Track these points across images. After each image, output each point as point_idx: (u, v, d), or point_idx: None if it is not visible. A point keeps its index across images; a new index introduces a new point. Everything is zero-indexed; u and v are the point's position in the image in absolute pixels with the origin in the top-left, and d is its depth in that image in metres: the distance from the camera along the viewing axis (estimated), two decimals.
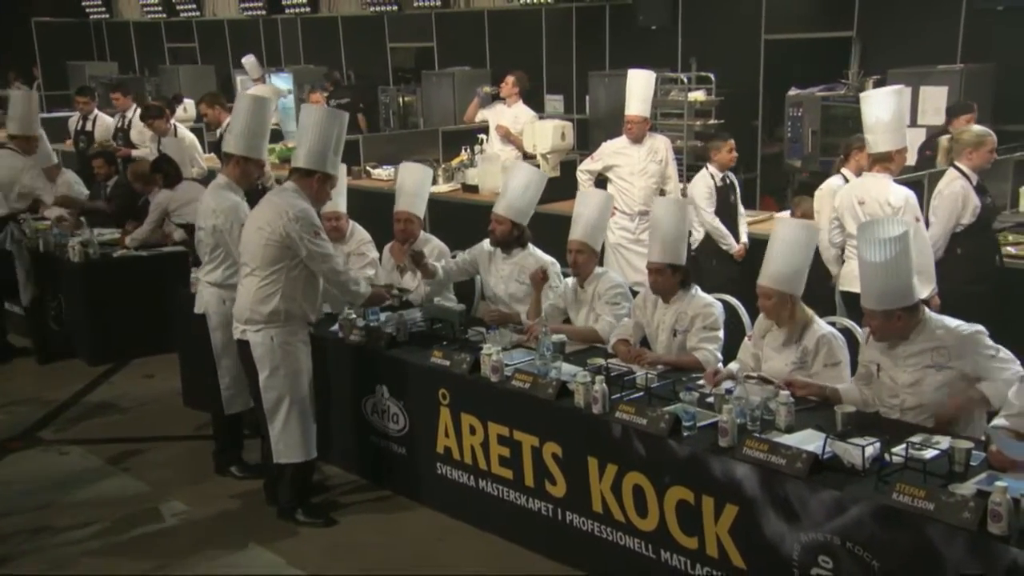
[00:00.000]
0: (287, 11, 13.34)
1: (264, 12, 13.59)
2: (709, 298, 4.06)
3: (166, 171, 6.41)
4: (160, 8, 15.22)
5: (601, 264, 4.69)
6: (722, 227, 5.76)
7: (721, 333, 4.00)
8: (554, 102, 10.75)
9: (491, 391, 3.89)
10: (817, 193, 5.56)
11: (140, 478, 4.69)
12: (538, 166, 7.15)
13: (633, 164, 6.26)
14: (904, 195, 4.85)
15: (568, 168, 7.27)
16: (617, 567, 3.58)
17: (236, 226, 4.22)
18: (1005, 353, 3.29)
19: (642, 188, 6.23)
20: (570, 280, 4.50)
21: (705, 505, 3.24)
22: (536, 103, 10.53)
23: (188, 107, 9.65)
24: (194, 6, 14.78)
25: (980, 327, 3.33)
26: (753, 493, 3.09)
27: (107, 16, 16.42)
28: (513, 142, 7.84)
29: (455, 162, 8.24)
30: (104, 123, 8.69)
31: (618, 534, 3.55)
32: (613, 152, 6.35)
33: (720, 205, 5.81)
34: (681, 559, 3.35)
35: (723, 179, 5.87)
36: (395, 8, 12.09)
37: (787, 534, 3.02)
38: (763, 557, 3.10)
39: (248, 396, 4.34)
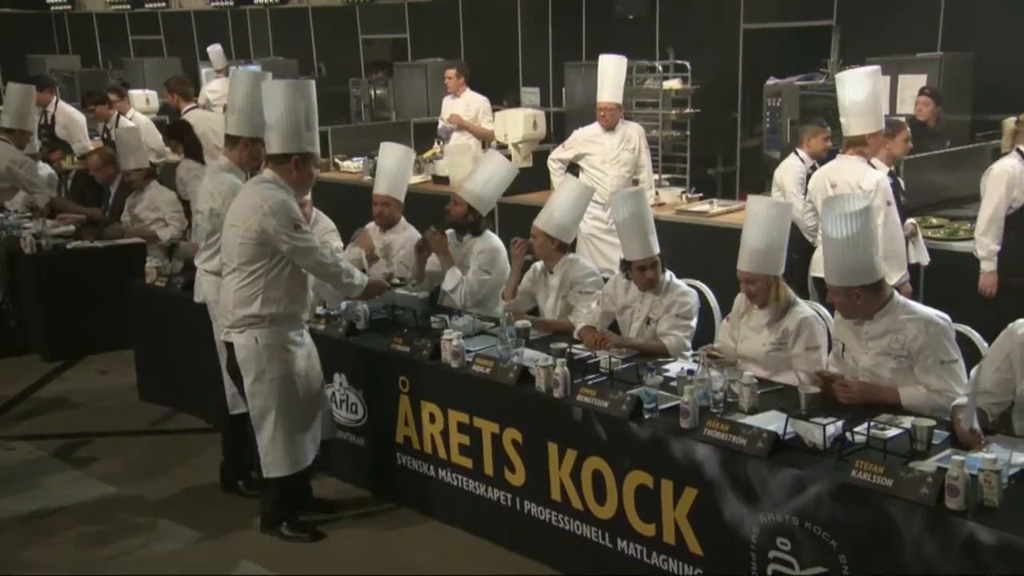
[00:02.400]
0: (256, 2, 13.15)
1: (232, 3, 13.41)
2: (684, 286, 3.97)
3: (185, 140, 6.12)
4: None
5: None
6: (811, 217, 5.23)
7: (694, 322, 3.91)
8: (530, 94, 10.64)
9: (452, 377, 3.78)
10: (777, 171, 5.54)
11: (91, 474, 4.54)
12: (509, 156, 7.08)
13: (606, 152, 6.13)
14: (876, 178, 4.77)
15: (540, 158, 7.17)
16: (574, 558, 3.48)
17: None
18: (959, 369, 3.13)
19: (615, 177, 6.09)
20: (539, 264, 4.39)
21: (664, 489, 3.14)
22: (512, 96, 10.46)
23: (151, 98, 9.47)
24: None
25: (947, 325, 3.20)
26: (713, 475, 3.01)
27: (69, 8, 16.15)
28: (468, 129, 7.75)
29: (428, 154, 8.13)
30: (65, 114, 8.49)
31: (575, 523, 3.45)
32: (585, 140, 6.23)
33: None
34: (638, 547, 3.26)
35: (812, 167, 5.47)
36: None
37: (746, 516, 2.93)
38: (721, 542, 3.02)
39: None
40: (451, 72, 8.04)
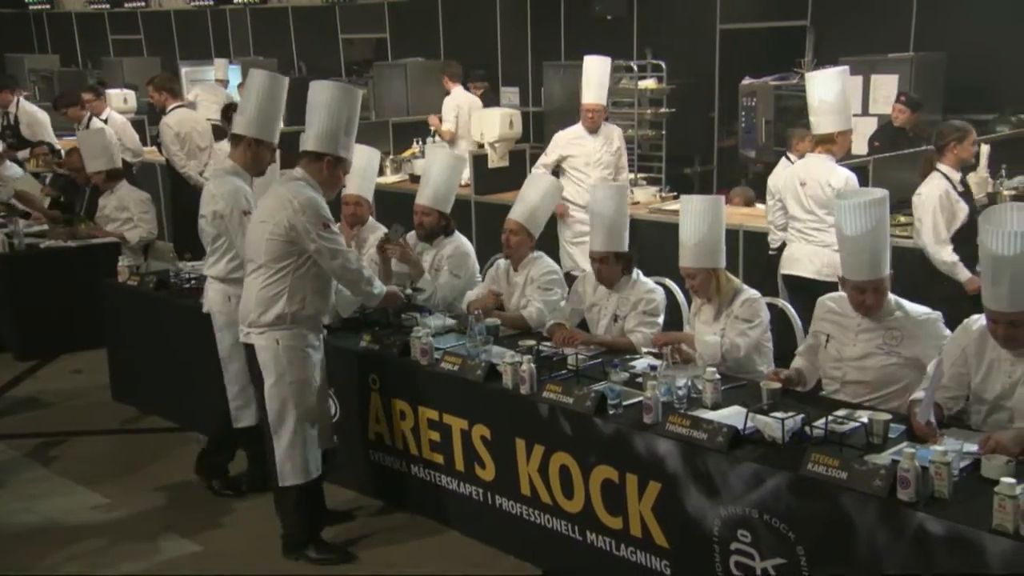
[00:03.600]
0: (235, 1, 13.12)
1: (212, 2, 13.38)
2: (651, 283, 4.01)
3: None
4: None
5: (558, 263, 4.56)
6: (780, 216, 5.19)
7: (660, 319, 3.96)
8: (509, 94, 10.67)
9: (421, 375, 3.81)
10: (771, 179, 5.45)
11: (60, 474, 4.53)
12: (486, 156, 7.12)
13: (589, 154, 6.06)
14: (845, 176, 4.83)
15: (517, 157, 7.22)
16: (545, 551, 3.52)
17: (237, 212, 3.85)
18: None
19: (598, 179, 5.96)
20: (502, 262, 4.42)
21: (629, 483, 3.18)
22: (492, 95, 10.49)
23: (128, 98, 9.43)
24: None
25: (938, 314, 3.28)
26: (675, 469, 3.05)
27: (48, 7, 16.05)
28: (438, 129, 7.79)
29: (407, 154, 8.15)
30: (28, 113, 8.43)
31: (545, 517, 3.48)
32: (567, 142, 6.15)
33: None
34: (606, 540, 3.30)
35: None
36: None
37: (708, 510, 2.98)
38: (685, 534, 3.06)
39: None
40: (445, 77, 8.13)
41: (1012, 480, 2.39)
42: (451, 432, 3.74)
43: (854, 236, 3.20)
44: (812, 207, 4.87)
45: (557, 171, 6.27)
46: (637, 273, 4.01)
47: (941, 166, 4.69)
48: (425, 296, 4.33)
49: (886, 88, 6.89)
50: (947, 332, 3.25)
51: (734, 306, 3.64)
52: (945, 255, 4.59)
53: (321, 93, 3.58)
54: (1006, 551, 2.34)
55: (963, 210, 4.63)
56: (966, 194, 4.77)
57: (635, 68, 7.78)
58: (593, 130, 6.07)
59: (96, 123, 7.77)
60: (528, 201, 4.30)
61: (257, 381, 3.63)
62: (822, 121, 4.89)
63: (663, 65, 7.86)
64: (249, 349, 3.61)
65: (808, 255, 4.94)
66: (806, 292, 4.66)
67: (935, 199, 4.60)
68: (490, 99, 8.97)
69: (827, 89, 4.88)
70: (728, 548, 2.95)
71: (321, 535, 3.73)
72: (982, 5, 7.51)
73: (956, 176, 4.70)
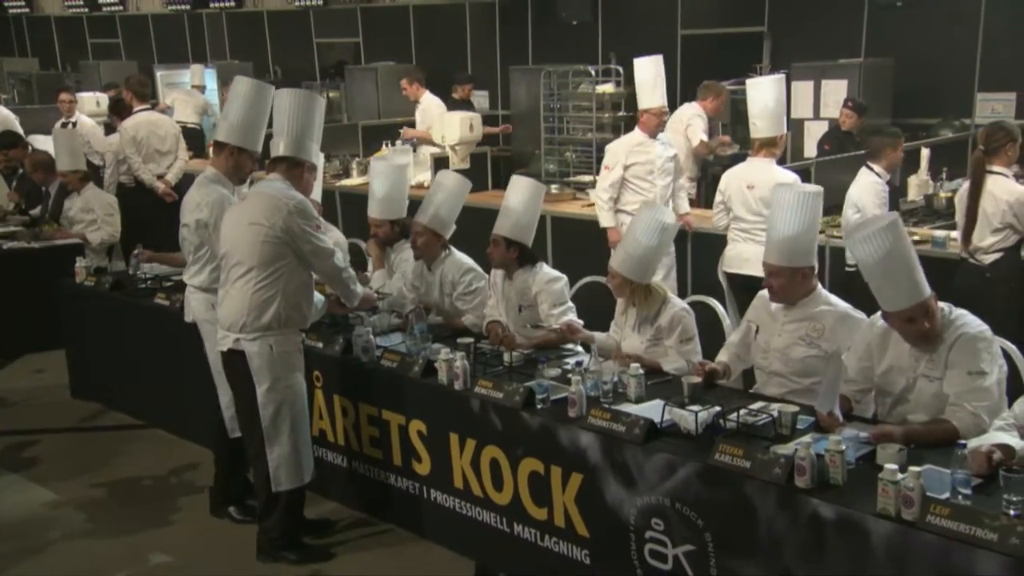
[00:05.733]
0: (212, 6, 13.21)
1: (189, 6, 13.46)
2: (554, 273, 4.11)
3: None
4: (82, 3, 14.96)
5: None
6: (722, 217, 5.21)
7: (570, 303, 4.06)
8: (479, 98, 10.78)
9: (361, 372, 3.92)
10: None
11: (14, 469, 4.60)
12: (447, 158, 7.23)
13: (653, 161, 5.54)
14: (793, 178, 4.98)
15: (477, 160, 7.34)
16: (476, 543, 3.63)
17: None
18: None
19: (663, 188, 5.55)
20: (416, 263, 4.44)
21: (553, 475, 3.30)
22: (455, 102, 10.58)
23: (101, 101, 9.49)
24: (117, 1, 14.55)
25: (861, 314, 3.36)
26: (596, 461, 3.16)
27: (27, 11, 16.08)
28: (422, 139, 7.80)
29: (377, 155, 8.23)
30: None
31: (476, 509, 3.59)
32: (629, 150, 5.56)
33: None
34: (532, 531, 3.41)
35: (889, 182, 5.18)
36: (320, 3, 12.06)
37: (625, 499, 3.10)
38: (604, 524, 3.18)
39: None
40: (403, 82, 8.00)
41: (894, 466, 2.52)
42: (389, 428, 3.84)
43: (882, 268, 2.93)
44: (760, 208, 4.99)
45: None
46: (541, 265, 4.11)
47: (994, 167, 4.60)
48: (391, 299, 4.42)
49: (836, 93, 7.07)
50: (858, 326, 3.34)
51: (661, 319, 3.70)
52: None
53: (291, 100, 3.59)
54: (889, 533, 2.47)
55: None
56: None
57: (593, 73, 7.92)
58: (654, 135, 5.56)
59: (82, 119, 7.83)
60: (432, 202, 4.31)
61: (241, 390, 3.59)
62: (764, 126, 5.05)
63: (620, 70, 8.00)
64: (236, 356, 3.54)
65: (756, 255, 5.06)
66: (753, 291, 4.77)
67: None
68: (458, 105, 9.04)
69: (767, 96, 5.04)
70: (643, 536, 3.07)
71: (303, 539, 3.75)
72: (930, 13, 7.71)
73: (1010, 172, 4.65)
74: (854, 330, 3.33)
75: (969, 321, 2.96)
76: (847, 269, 4.86)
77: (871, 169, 4.98)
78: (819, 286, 3.45)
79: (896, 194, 4.95)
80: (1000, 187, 4.58)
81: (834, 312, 3.37)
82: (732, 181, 5.19)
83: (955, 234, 4.88)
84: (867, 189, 4.97)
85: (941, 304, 3.01)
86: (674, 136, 6.41)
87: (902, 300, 2.91)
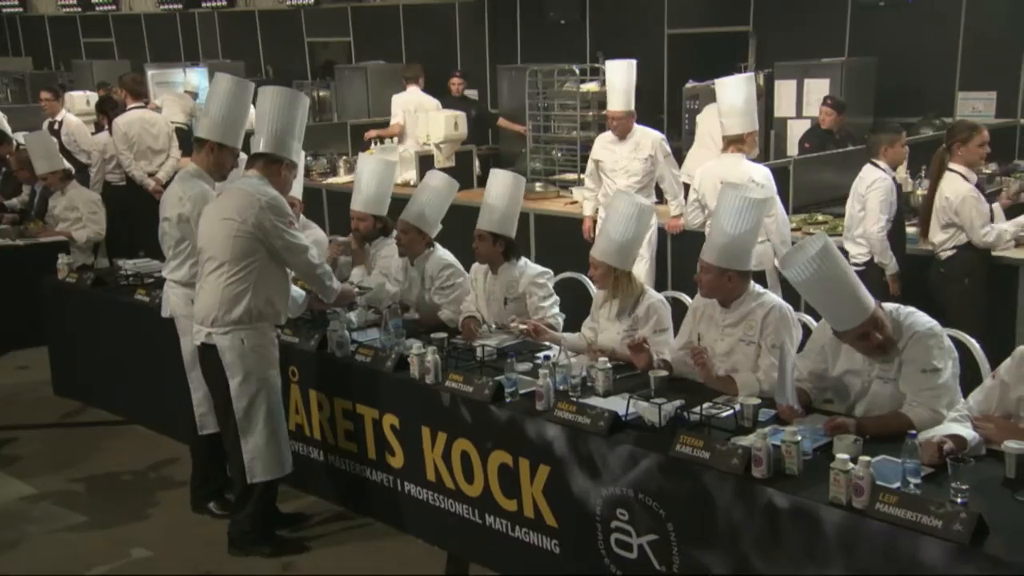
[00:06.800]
0: (204, 5, 13.26)
1: (181, 6, 13.51)
2: (540, 267, 4.18)
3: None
4: (75, 2, 15.02)
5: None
6: (697, 214, 5.35)
7: (555, 296, 4.13)
8: (469, 96, 10.83)
9: (336, 366, 3.96)
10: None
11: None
12: (431, 156, 7.28)
13: (616, 160, 5.75)
14: (765, 173, 5.05)
15: (463, 158, 7.38)
16: (450, 534, 3.68)
17: None
18: (785, 352, 3.18)
19: (624, 187, 5.58)
20: (402, 259, 4.48)
21: (522, 467, 3.35)
22: (453, 99, 10.63)
23: (91, 99, 9.52)
24: (110, 0, 14.61)
25: (789, 309, 3.40)
26: (562, 453, 3.21)
27: (21, 10, 16.13)
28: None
29: (367, 153, 8.27)
30: None
31: (449, 501, 3.64)
32: (600, 146, 5.84)
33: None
34: (503, 522, 3.46)
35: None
36: (311, 2, 12.11)
37: (591, 490, 3.15)
38: (572, 515, 3.23)
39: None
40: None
41: (845, 456, 2.57)
42: (364, 422, 3.89)
43: (823, 292, 2.98)
44: None
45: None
46: (524, 260, 4.17)
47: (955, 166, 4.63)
48: (370, 295, 4.45)
49: (818, 92, 7.11)
50: (791, 319, 3.39)
51: (638, 309, 3.76)
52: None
53: (273, 98, 3.63)
54: (839, 521, 2.52)
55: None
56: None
57: (577, 71, 7.97)
58: (621, 137, 5.74)
59: (68, 118, 7.86)
60: (418, 202, 4.37)
61: (215, 383, 3.65)
62: (734, 123, 5.13)
63: (603, 69, 8.04)
64: (209, 350, 3.60)
65: None
66: None
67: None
68: (455, 101, 9.07)
69: (737, 95, 5.13)
70: (609, 527, 3.12)
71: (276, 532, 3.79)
72: (912, 13, 7.76)
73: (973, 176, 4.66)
74: (785, 320, 3.36)
75: (918, 319, 3.00)
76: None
77: (876, 166, 4.84)
78: (752, 286, 3.48)
79: (900, 190, 4.92)
80: (951, 185, 4.65)
81: (763, 306, 3.40)
82: (706, 178, 5.25)
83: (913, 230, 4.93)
84: (874, 188, 4.76)
85: (889, 305, 3.06)
86: None
87: (849, 320, 2.95)
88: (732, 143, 5.11)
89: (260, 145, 3.65)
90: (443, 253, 4.40)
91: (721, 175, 5.15)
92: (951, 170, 4.65)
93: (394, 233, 4.73)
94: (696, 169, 6.25)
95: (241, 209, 3.51)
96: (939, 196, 4.64)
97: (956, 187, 4.63)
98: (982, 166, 4.71)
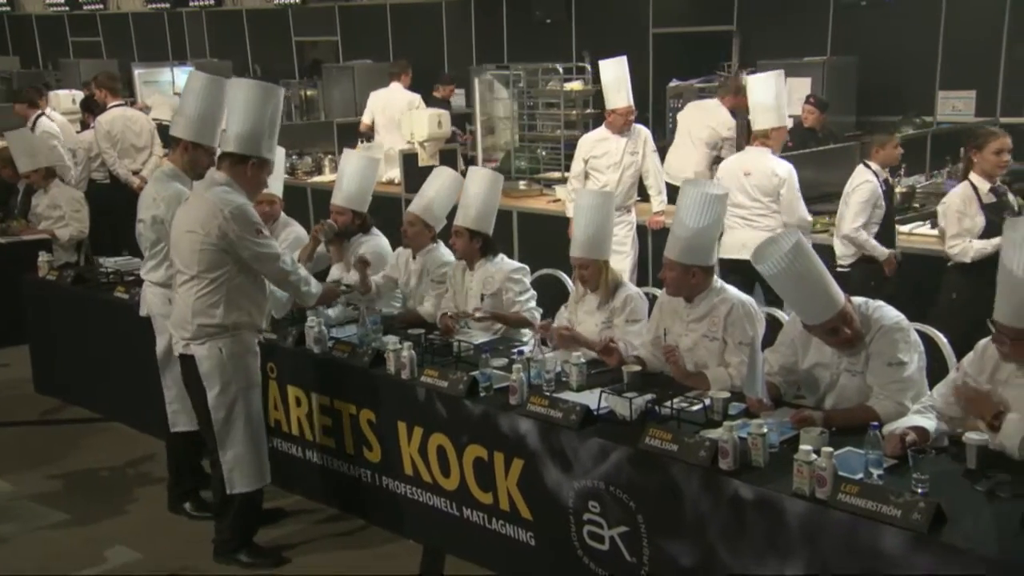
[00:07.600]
0: (192, 4, 13.27)
1: (169, 5, 13.50)
2: (516, 263, 4.21)
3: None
4: (63, 1, 14.99)
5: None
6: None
7: (531, 291, 4.17)
8: (456, 95, 10.85)
9: (314, 362, 3.98)
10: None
11: None
12: (415, 154, 7.29)
13: (612, 155, 5.75)
14: (788, 168, 5.12)
15: (447, 157, 7.40)
16: (428, 528, 3.71)
17: None
18: (752, 347, 3.18)
19: (621, 183, 5.72)
20: (404, 251, 4.54)
21: (497, 461, 3.38)
22: (439, 97, 10.66)
23: (76, 98, 9.50)
24: None
25: (751, 303, 3.43)
26: (536, 446, 3.24)
27: (8, 9, 16.11)
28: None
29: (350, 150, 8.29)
30: None
31: (427, 495, 3.67)
32: (593, 142, 5.85)
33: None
34: (480, 515, 3.49)
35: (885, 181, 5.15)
36: (299, 1, 12.12)
37: (564, 483, 3.18)
38: (546, 507, 3.26)
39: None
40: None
41: (808, 448, 2.61)
42: (341, 417, 3.91)
43: (794, 287, 3.01)
44: (758, 195, 5.15)
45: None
46: (501, 256, 4.20)
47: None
48: (353, 293, 4.44)
49: (800, 91, 7.16)
50: (755, 313, 3.42)
51: (615, 301, 3.78)
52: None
53: (241, 92, 3.48)
54: (802, 512, 2.56)
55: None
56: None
57: (560, 70, 8.01)
58: (621, 132, 5.76)
59: (44, 122, 7.84)
60: (426, 195, 4.44)
61: (195, 393, 3.58)
62: (760, 119, 5.24)
63: (588, 67, 8.09)
64: (187, 360, 3.54)
65: (754, 240, 5.05)
66: (749, 276, 4.76)
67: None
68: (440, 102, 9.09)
69: (765, 91, 5.23)
70: (582, 519, 3.15)
71: (254, 539, 3.74)
72: (893, 13, 7.82)
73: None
74: (750, 316, 3.39)
75: (886, 313, 3.04)
76: (838, 270, 4.83)
77: (868, 167, 4.93)
78: (716, 281, 3.50)
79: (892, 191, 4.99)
80: (951, 193, 4.71)
81: (726, 302, 3.43)
82: (729, 169, 5.32)
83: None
84: (858, 189, 4.86)
85: (858, 299, 3.10)
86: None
87: (819, 314, 2.99)
88: (757, 137, 5.21)
89: (227, 143, 3.51)
90: (444, 251, 4.45)
91: (744, 167, 5.25)
92: (969, 180, 4.56)
93: (373, 231, 4.78)
94: (677, 168, 6.34)
95: (204, 221, 3.40)
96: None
97: (951, 195, 4.68)
98: (999, 175, 4.57)
